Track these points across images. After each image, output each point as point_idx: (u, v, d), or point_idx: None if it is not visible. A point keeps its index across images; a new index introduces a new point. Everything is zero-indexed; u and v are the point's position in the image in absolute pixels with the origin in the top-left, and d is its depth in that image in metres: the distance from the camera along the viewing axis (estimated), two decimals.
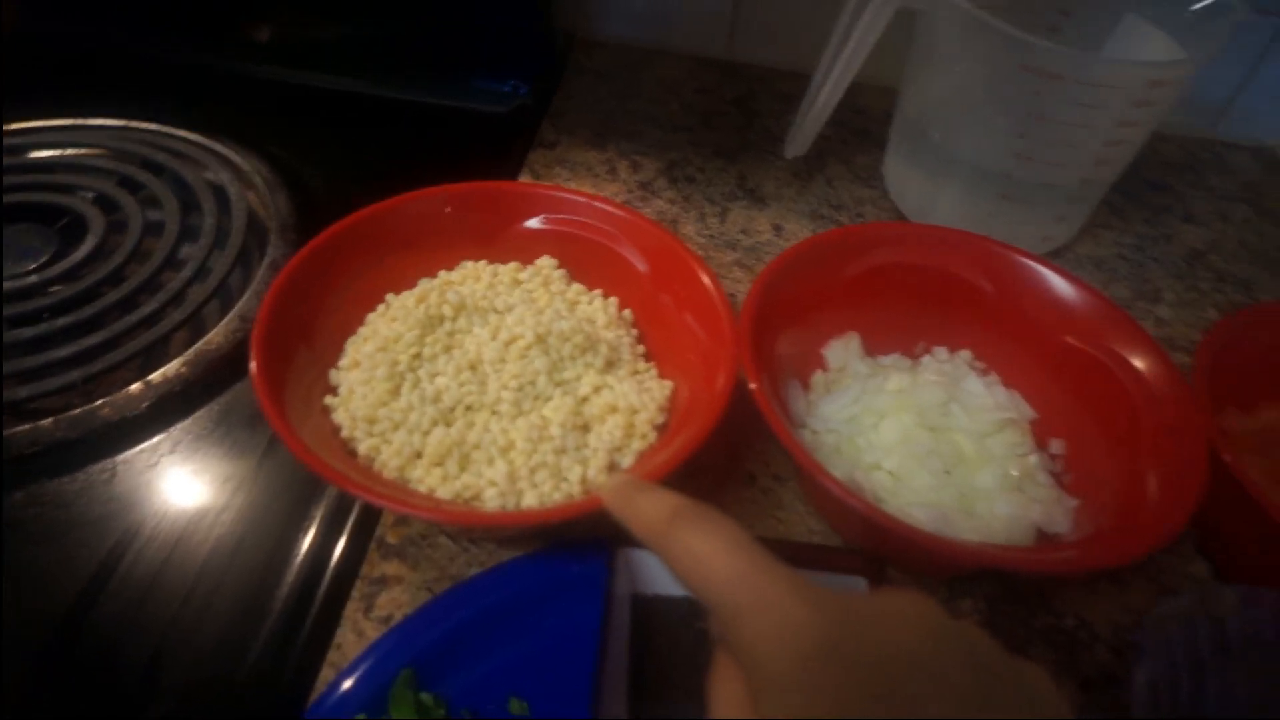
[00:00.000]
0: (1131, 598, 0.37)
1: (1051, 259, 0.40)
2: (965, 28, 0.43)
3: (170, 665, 0.31)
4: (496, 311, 0.39)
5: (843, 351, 0.42)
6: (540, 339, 0.37)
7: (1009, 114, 0.45)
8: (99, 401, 0.38)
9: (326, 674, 0.31)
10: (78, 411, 0.37)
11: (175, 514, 0.35)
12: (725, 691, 0.22)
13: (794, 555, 0.24)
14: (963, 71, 0.47)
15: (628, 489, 0.25)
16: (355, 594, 0.34)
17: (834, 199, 0.57)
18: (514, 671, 0.30)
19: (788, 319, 0.39)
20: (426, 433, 0.34)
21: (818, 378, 0.41)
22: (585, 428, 0.36)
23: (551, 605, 0.31)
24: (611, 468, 0.34)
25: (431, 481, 0.33)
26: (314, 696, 0.29)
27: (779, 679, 0.19)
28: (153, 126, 0.53)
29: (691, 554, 0.22)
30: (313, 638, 0.32)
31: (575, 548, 0.32)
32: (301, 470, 0.32)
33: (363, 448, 0.34)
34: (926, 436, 0.37)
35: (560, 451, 0.34)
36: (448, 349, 0.38)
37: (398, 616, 0.33)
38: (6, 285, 0.42)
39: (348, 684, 0.29)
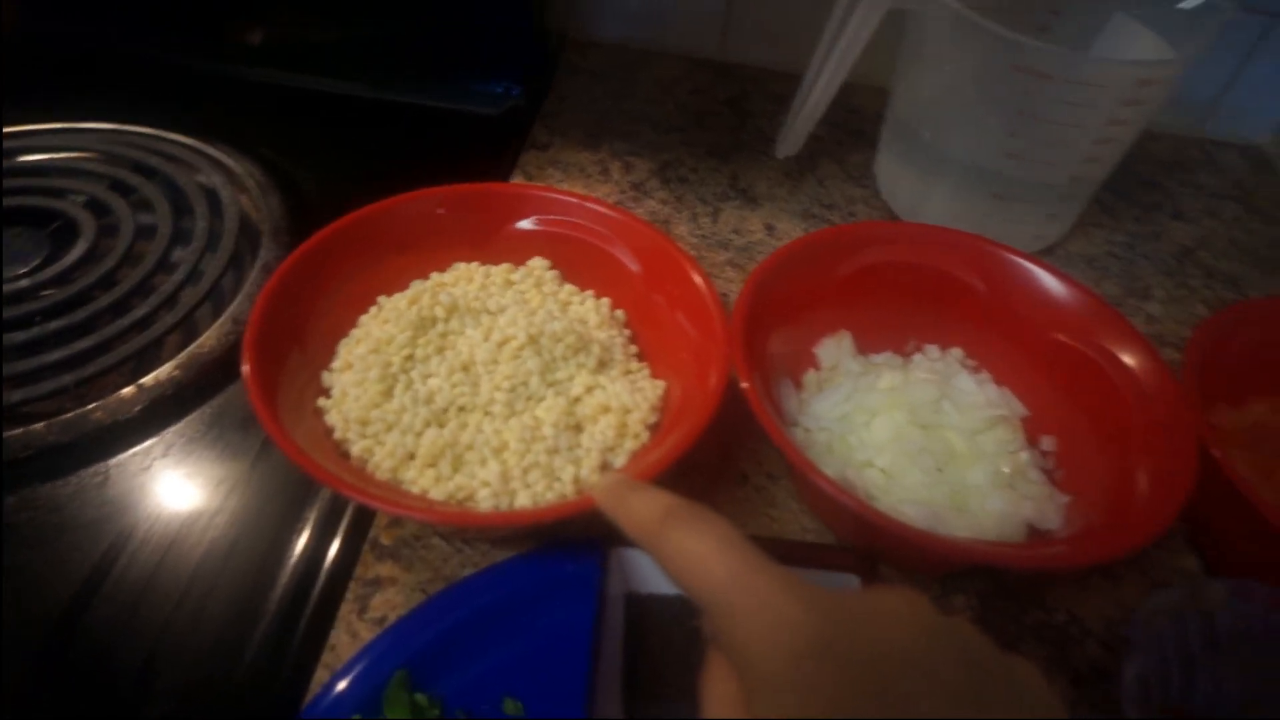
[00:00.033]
0: (1122, 593, 0.37)
1: (1043, 257, 0.41)
2: (955, 27, 0.43)
3: (165, 668, 0.31)
4: (489, 312, 0.39)
5: (835, 350, 0.42)
6: (533, 340, 0.37)
7: (999, 113, 0.45)
8: (91, 405, 0.37)
9: (321, 675, 0.31)
10: (70, 415, 0.37)
11: (169, 517, 0.35)
12: (718, 691, 0.22)
13: (787, 553, 0.24)
14: (953, 71, 0.47)
15: (620, 488, 0.26)
16: (349, 595, 0.34)
17: (826, 198, 0.57)
18: (508, 671, 0.30)
19: (780, 318, 0.39)
20: (419, 434, 0.34)
21: (810, 376, 0.41)
22: (578, 428, 0.36)
23: (545, 605, 0.31)
24: (604, 467, 0.35)
25: (425, 482, 0.33)
26: (309, 698, 0.29)
27: (772, 678, 0.19)
28: (144, 130, 0.53)
29: (684, 553, 0.22)
30: (307, 639, 0.32)
31: (568, 547, 0.32)
32: (295, 472, 0.32)
33: (356, 449, 0.34)
34: (918, 434, 0.37)
35: (553, 452, 0.34)
36: (440, 350, 0.38)
37: (392, 618, 0.33)
38: None
39: (342, 685, 0.29)
